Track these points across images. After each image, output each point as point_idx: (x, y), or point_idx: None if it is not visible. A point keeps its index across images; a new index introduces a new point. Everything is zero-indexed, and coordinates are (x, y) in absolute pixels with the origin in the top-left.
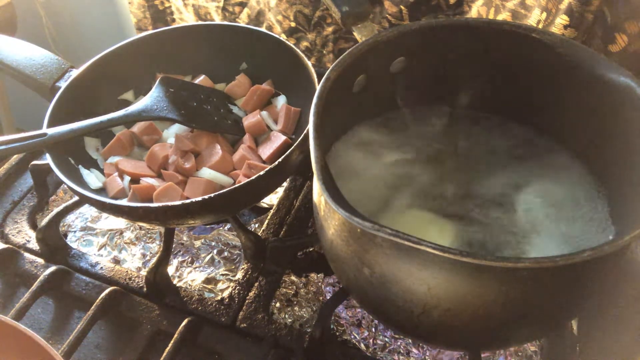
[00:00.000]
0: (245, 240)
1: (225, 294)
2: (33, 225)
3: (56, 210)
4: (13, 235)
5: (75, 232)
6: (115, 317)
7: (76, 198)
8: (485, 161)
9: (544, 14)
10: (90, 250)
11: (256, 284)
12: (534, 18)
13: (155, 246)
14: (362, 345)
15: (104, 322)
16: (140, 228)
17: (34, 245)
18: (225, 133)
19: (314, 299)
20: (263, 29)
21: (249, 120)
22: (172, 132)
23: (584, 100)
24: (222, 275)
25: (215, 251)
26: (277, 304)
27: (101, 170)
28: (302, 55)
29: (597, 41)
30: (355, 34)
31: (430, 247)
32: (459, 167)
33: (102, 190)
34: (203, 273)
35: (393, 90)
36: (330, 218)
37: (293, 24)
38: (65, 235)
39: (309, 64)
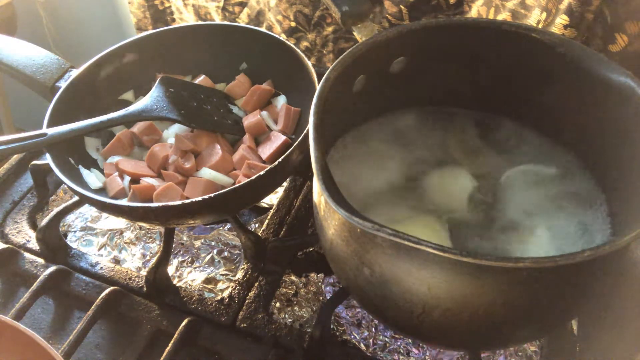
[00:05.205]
0: (245, 240)
1: (225, 294)
2: (33, 225)
3: (56, 210)
4: (13, 235)
5: (75, 232)
6: (115, 317)
7: (76, 198)
8: (484, 161)
9: (544, 14)
10: (90, 250)
11: (256, 284)
12: (534, 18)
13: (155, 246)
14: (362, 345)
15: (104, 322)
16: (140, 228)
17: (34, 245)
18: (225, 133)
19: (314, 299)
20: (263, 29)
21: (249, 120)
22: (172, 132)
23: (583, 100)
24: (222, 275)
25: (215, 251)
26: (277, 304)
27: (101, 170)
28: (302, 55)
29: (597, 41)
30: (355, 34)
31: (430, 247)
32: (459, 167)
33: (102, 190)
34: (203, 273)
35: (393, 90)
36: (330, 218)
37: (293, 24)
38: (65, 235)
39: (309, 64)
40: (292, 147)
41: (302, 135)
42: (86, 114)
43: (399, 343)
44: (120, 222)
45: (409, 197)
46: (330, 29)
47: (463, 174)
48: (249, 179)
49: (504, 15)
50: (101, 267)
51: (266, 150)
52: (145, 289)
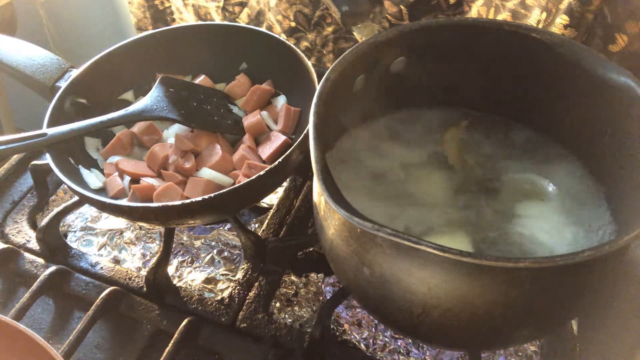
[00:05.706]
0: (245, 240)
1: (225, 294)
2: (33, 225)
3: (56, 210)
4: (13, 235)
5: (75, 232)
6: (115, 317)
7: (76, 198)
8: (485, 162)
9: (544, 14)
10: (90, 250)
11: (256, 284)
12: (534, 18)
13: (155, 246)
14: (362, 345)
15: (104, 322)
16: (140, 228)
17: (34, 245)
18: (225, 133)
19: (314, 299)
20: (263, 29)
21: (249, 120)
22: (172, 132)
23: (583, 100)
24: (222, 275)
25: (215, 251)
26: (277, 304)
27: (101, 170)
28: (302, 55)
29: (597, 41)
30: (355, 34)
31: (430, 247)
32: (460, 169)
33: (102, 190)
34: (203, 273)
35: (393, 90)
36: (330, 218)
37: (293, 24)
38: (65, 235)
39: (309, 64)
40: (292, 147)
41: (302, 135)
42: (86, 114)
43: (399, 343)
44: (120, 222)
45: (409, 199)
46: (330, 29)
47: (462, 175)
48: (249, 179)
49: (504, 15)
50: (101, 267)
51: (266, 150)
52: (145, 289)
